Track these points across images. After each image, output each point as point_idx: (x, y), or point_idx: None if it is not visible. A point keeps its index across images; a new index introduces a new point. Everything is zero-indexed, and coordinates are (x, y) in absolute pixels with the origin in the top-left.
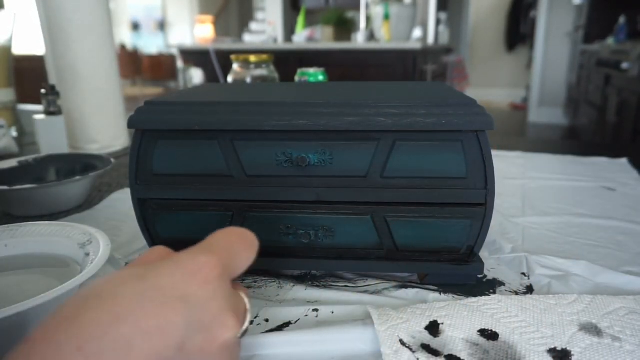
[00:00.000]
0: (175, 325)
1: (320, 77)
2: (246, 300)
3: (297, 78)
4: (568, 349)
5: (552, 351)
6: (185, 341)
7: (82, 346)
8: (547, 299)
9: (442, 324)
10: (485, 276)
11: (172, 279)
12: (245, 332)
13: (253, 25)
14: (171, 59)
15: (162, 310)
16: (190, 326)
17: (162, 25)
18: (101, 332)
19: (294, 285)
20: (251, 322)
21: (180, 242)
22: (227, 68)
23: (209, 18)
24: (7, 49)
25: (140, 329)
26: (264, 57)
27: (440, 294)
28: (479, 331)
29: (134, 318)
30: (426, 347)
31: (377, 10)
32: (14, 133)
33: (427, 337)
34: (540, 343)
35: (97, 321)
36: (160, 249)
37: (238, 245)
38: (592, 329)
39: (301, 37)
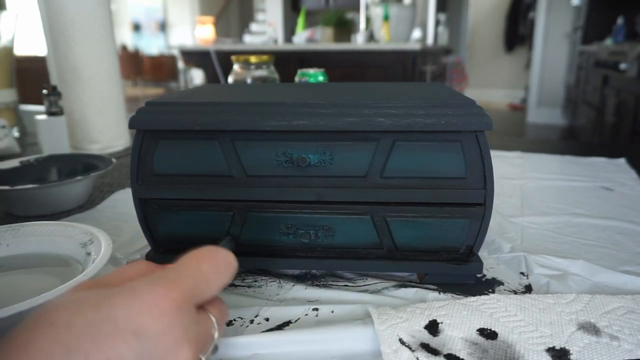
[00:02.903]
0: (126, 359)
1: (320, 78)
2: (214, 321)
3: (297, 79)
4: (566, 347)
5: (551, 350)
6: None
7: None
8: (546, 298)
9: (442, 323)
10: (484, 275)
11: (127, 310)
12: (215, 351)
13: (253, 26)
14: (172, 59)
15: (114, 344)
16: None
17: (163, 26)
18: None
19: (294, 285)
20: (251, 321)
21: (181, 242)
22: (227, 69)
23: (210, 19)
24: (9, 49)
25: None
26: (264, 57)
27: (439, 293)
28: (478, 330)
29: (84, 351)
30: (425, 346)
31: (377, 11)
32: (16, 133)
33: (426, 336)
34: (539, 342)
35: (48, 352)
36: (142, 265)
37: (208, 269)
38: (591, 328)
39: (301, 38)
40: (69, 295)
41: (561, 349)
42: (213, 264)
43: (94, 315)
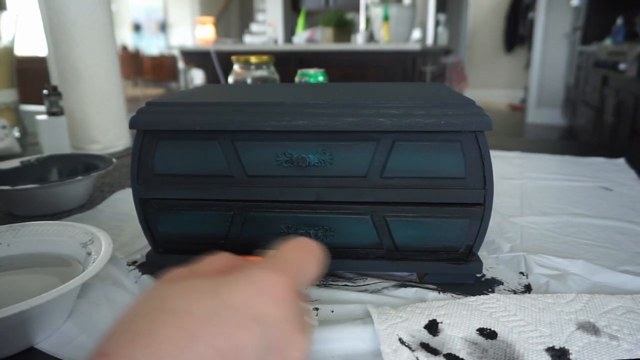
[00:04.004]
0: (250, 346)
1: (320, 78)
2: (310, 310)
3: (297, 79)
4: (566, 347)
5: (550, 350)
6: None
7: None
8: (545, 298)
9: (441, 322)
10: (484, 275)
11: (246, 296)
12: None
13: (253, 27)
14: (172, 60)
15: (238, 330)
16: (264, 347)
17: (163, 27)
18: (178, 351)
19: None
20: None
21: (181, 242)
22: (227, 69)
23: (210, 19)
24: (9, 50)
25: (216, 349)
26: (265, 58)
27: (439, 293)
28: (477, 330)
29: (210, 338)
30: (425, 346)
31: (377, 12)
32: (17, 133)
33: (426, 336)
34: (538, 342)
35: (173, 339)
36: (227, 256)
37: (307, 259)
38: (590, 328)
39: (301, 38)
40: (179, 286)
41: (560, 348)
42: (311, 255)
43: (213, 302)
